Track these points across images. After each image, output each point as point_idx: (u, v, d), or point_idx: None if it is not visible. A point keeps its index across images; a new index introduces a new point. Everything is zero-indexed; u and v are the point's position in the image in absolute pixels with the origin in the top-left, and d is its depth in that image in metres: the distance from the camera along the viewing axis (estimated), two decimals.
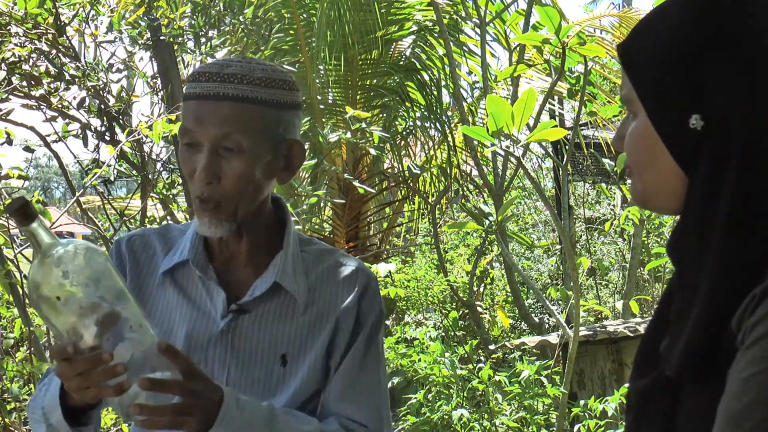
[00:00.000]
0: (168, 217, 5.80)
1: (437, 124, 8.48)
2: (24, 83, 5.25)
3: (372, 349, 1.99)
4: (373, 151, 5.76)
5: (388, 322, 7.39)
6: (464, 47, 8.10)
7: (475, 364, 5.28)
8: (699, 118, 1.22)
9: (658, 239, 8.89)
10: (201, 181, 1.82)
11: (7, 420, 5.19)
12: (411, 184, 8.51)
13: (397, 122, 8.57)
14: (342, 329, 1.95)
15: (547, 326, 7.28)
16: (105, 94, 5.54)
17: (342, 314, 1.95)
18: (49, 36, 5.29)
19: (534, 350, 5.78)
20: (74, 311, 1.60)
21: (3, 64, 5.14)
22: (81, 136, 5.54)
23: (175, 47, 5.82)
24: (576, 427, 4.76)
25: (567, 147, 5.04)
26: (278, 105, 1.85)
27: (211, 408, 1.70)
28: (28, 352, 4.86)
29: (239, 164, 1.82)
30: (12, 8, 5.10)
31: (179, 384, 1.65)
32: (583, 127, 8.29)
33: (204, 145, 1.81)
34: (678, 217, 1.31)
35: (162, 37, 5.58)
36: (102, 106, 5.48)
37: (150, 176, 5.74)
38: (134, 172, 5.78)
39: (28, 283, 1.62)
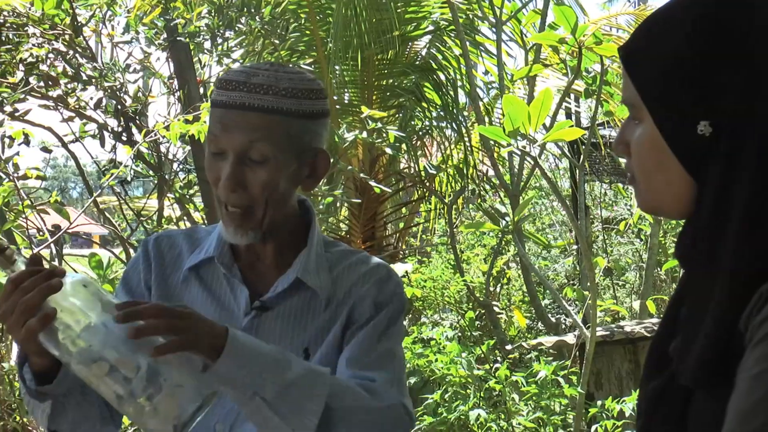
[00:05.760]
0: (185, 218, 5.81)
1: (453, 124, 8.46)
2: (41, 84, 5.28)
3: (392, 328, 1.96)
4: (389, 151, 5.75)
5: (405, 323, 7.37)
6: (480, 47, 8.09)
7: (491, 364, 5.27)
8: (708, 125, 1.21)
9: (675, 239, 8.85)
10: (225, 189, 1.83)
11: (25, 419, 5.22)
12: (427, 184, 8.50)
13: (413, 122, 8.55)
14: (359, 307, 1.94)
15: (563, 326, 7.26)
16: (122, 95, 5.56)
17: (360, 295, 1.94)
18: (66, 37, 5.32)
19: (551, 350, 5.76)
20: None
21: (21, 65, 5.16)
22: (98, 136, 5.56)
23: (192, 47, 5.83)
24: (593, 428, 4.75)
25: (584, 147, 5.02)
26: (304, 115, 1.84)
27: (216, 332, 1.68)
28: None
29: (264, 174, 1.83)
30: (29, 9, 5.12)
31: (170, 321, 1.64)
32: (599, 127, 8.27)
33: (229, 153, 1.82)
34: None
35: (178, 38, 5.60)
36: (119, 107, 5.50)
37: (167, 176, 5.76)
38: (151, 172, 5.80)
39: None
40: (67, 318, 1.61)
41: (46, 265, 1.68)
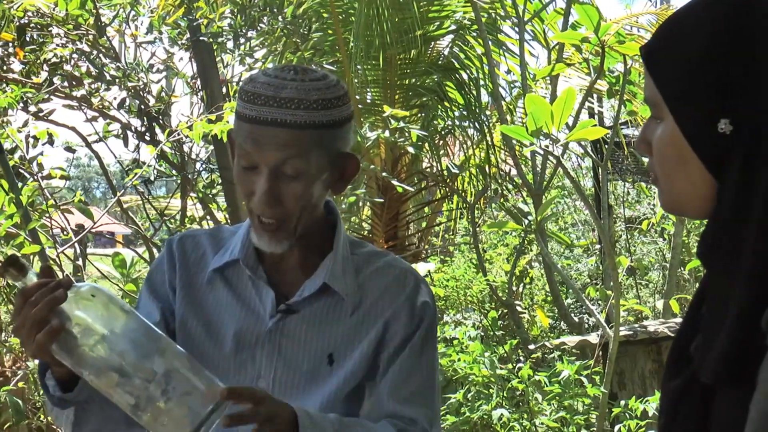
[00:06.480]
0: (207, 217, 5.83)
1: (476, 124, 8.45)
2: (65, 84, 5.31)
3: (428, 346, 1.99)
4: (411, 150, 5.75)
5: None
6: (503, 46, 8.06)
7: (514, 364, 5.26)
8: (728, 123, 1.21)
9: (699, 239, 8.80)
10: (262, 204, 1.82)
11: (49, 419, 5.24)
12: (450, 184, 8.49)
13: (435, 121, 8.55)
14: (394, 325, 1.95)
15: (586, 326, 7.24)
16: (145, 95, 5.59)
17: (394, 311, 1.95)
18: (90, 37, 5.35)
19: (574, 350, 5.74)
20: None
21: (45, 65, 5.19)
22: (121, 136, 5.59)
23: (215, 47, 5.84)
24: (616, 428, 4.74)
25: (606, 146, 5.00)
26: (334, 124, 1.83)
27: (289, 422, 1.73)
28: None
29: (299, 187, 1.82)
30: (53, 9, 5.15)
31: (253, 410, 1.68)
32: (622, 126, 8.24)
33: (262, 168, 1.81)
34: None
35: (201, 38, 5.61)
36: (142, 107, 5.52)
37: (190, 176, 5.78)
38: (174, 171, 5.82)
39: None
40: (78, 329, 1.61)
41: (72, 275, 1.69)
